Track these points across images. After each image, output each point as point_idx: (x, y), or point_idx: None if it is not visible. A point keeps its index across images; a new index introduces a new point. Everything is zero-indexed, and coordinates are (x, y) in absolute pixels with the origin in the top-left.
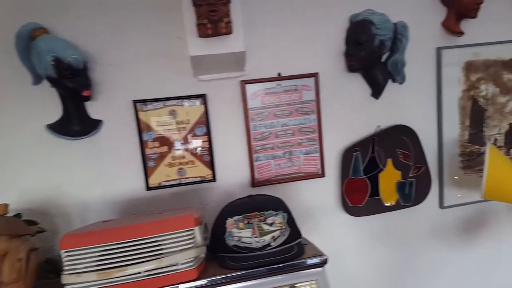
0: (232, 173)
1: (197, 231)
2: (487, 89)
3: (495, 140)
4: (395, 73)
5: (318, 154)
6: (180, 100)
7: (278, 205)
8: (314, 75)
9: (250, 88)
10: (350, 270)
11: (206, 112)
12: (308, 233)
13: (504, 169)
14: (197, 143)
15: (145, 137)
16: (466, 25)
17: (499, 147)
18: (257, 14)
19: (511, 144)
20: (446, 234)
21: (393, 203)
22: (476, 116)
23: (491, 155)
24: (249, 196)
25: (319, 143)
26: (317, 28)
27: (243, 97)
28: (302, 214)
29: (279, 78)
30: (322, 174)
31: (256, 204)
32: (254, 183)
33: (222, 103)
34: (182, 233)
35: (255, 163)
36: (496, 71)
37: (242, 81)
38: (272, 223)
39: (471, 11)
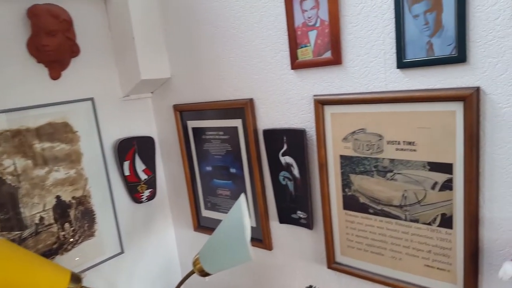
0: None
1: None
2: (14, 163)
3: (41, 218)
4: None
5: None
6: None
7: None
8: None
9: None
10: None
11: None
12: None
13: (14, 269)
14: None
15: None
16: None
17: (49, 225)
18: None
19: (63, 218)
20: None
21: None
22: (6, 198)
23: None
24: None
25: None
26: None
27: None
28: None
29: None
30: None
31: None
32: None
33: None
34: None
35: None
36: (23, 142)
37: None
38: None
39: None
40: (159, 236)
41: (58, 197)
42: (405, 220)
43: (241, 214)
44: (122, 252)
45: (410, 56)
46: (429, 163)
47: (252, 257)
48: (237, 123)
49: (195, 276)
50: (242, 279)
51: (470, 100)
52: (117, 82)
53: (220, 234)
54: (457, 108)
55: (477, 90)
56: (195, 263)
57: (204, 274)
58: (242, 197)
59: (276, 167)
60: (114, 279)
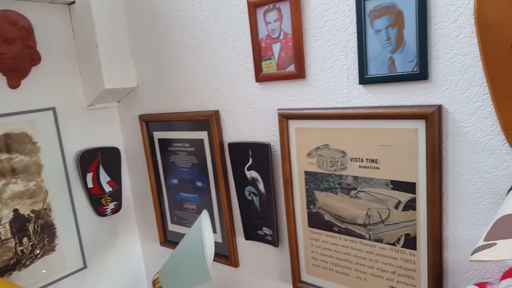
0: None
1: None
2: None
3: None
4: None
5: None
6: None
7: None
8: None
9: None
10: None
11: None
12: None
13: None
14: None
15: None
16: None
17: (6, 240)
18: None
19: (21, 233)
20: None
21: None
22: None
23: None
24: None
25: None
26: None
27: None
28: None
29: None
30: None
31: None
32: None
33: None
34: None
35: None
36: None
37: None
38: None
39: None
40: (125, 250)
41: (16, 211)
42: (369, 239)
43: (201, 232)
44: (85, 267)
45: (372, 72)
46: (392, 182)
47: (212, 277)
48: (203, 135)
49: None
50: None
51: (432, 118)
52: (81, 91)
53: (181, 253)
54: (419, 126)
55: (439, 108)
56: (154, 282)
57: None
58: (204, 213)
59: (241, 182)
60: None
